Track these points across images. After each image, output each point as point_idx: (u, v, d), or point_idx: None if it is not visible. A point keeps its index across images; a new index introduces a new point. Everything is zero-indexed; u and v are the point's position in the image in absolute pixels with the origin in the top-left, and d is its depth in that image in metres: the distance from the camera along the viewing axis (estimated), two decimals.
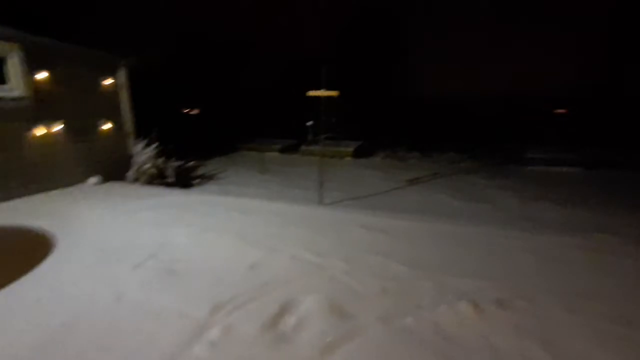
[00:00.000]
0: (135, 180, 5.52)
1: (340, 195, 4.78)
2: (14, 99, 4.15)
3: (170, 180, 5.62)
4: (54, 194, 4.49)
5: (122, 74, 5.57)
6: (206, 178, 6.45)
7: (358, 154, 8.55)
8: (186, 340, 1.69)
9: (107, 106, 5.44)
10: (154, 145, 5.75)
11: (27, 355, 1.62)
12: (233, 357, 1.60)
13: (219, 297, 2.05)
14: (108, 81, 5.37)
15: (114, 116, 5.54)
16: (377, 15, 14.55)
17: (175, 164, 5.92)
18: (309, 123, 8.20)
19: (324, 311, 1.89)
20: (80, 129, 4.99)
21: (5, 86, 4.15)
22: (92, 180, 5.07)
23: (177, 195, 4.54)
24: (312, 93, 4.23)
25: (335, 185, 5.30)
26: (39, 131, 4.44)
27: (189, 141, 8.28)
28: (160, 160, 5.68)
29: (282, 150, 9.43)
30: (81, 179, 5.02)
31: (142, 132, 5.97)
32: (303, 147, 9.08)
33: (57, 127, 4.66)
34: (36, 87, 4.37)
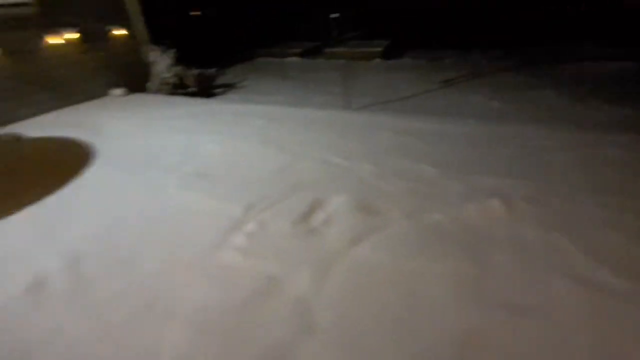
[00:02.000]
0: (157, 91, 5.46)
1: (368, 100, 4.53)
2: (15, 5, 3.91)
3: (191, 89, 5.51)
4: (84, 106, 4.58)
5: None
6: (227, 87, 6.27)
7: (387, 54, 7.80)
8: (225, 232, 1.84)
9: (115, 10, 5.06)
10: (170, 53, 5.49)
11: (88, 246, 1.84)
12: (268, 245, 1.74)
13: (250, 198, 2.15)
14: None
15: (124, 20, 5.19)
16: None
17: (195, 72, 5.71)
18: (334, 15, 7.27)
19: (352, 209, 1.95)
20: (93, 37, 4.77)
21: None
22: (116, 92, 5.06)
23: (201, 105, 4.49)
24: None
25: (362, 90, 5.00)
26: (52, 40, 4.29)
27: (205, 47, 7.84)
28: (179, 68, 5.49)
29: (304, 54, 8.77)
30: (104, 91, 5.02)
31: (157, 35, 5.65)
32: (327, 50, 8.37)
33: (69, 35, 4.46)
34: None
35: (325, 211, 1.96)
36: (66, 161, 2.93)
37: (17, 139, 3.52)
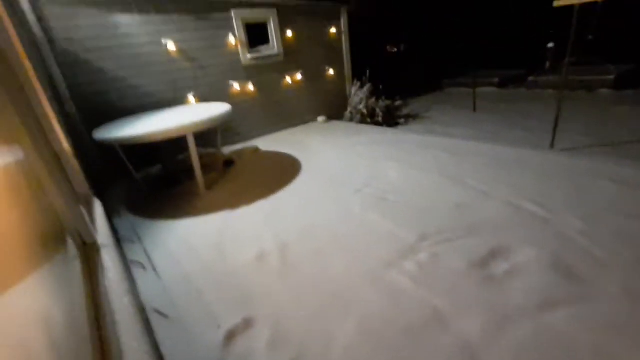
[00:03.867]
0: (350, 119, 6.33)
1: (583, 140, 3.73)
2: (273, 56, 5.48)
3: (379, 119, 6.08)
4: (297, 129, 5.85)
5: (343, 20, 6.15)
6: (411, 117, 6.54)
7: (622, 84, 6.13)
8: (398, 255, 1.98)
9: (331, 53, 6.25)
10: (366, 87, 6.28)
11: (293, 237, 2.37)
12: (439, 279, 1.75)
13: (425, 228, 2.21)
14: (332, 29, 6.09)
15: (336, 61, 6.33)
16: None
17: (383, 104, 6.29)
18: (550, 45, 6.33)
19: (545, 266, 1.69)
20: (312, 75, 6.05)
21: (268, 46, 5.50)
22: (320, 119, 6.20)
23: (385, 134, 4.91)
24: (561, 3, 3.25)
25: (576, 127, 4.16)
26: (287, 79, 5.74)
27: (395, 79, 8.46)
28: (371, 101, 6.18)
29: (502, 84, 8.04)
30: (313, 117, 6.24)
31: (356, 73, 6.59)
32: (531, 79, 7.36)
33: (298, 76, 5.85)
34: (285, 44, 5.55)
35: (510, 261, 1.78)
36: (285, 170, 3.87)
37: (256, 150, 4.89)
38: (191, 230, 2.68)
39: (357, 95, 6.36)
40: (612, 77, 6.11)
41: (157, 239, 2.60)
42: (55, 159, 1.77)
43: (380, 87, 6.48)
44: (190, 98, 4.59)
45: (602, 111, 4.87)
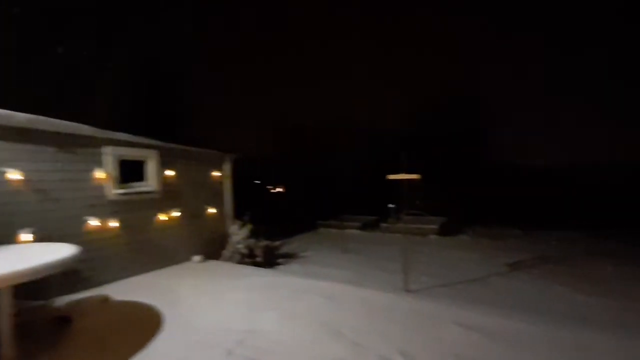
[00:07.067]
0: (229, 258, 6.06)
1: (428, 281, 4.44)
2: (149, 192, 5.22)
3: (258, 259, 6.02)
4: (167, 271, 5.16)
5: (227, 166, 6.61)
6: (290, 257, 6.73)
7: (444, 231, 8.06)
8: None
9: (213, 193, 6.38)
10: (246, 227, 6.38)
11: None
12: None
13: None
14: (216, 173, 6.41)
15: (218, 201, 6.43)
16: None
17: (262, 243, 6.37)
18: (390, 205, 8.20)
19: None
20: (192, 213, 5.87)
21: (144, 182, 5.27)
22: (196, 258, 5.72)
23: (265, 276, 4.79)
24: (392, 177, 4.35)
25: (422, 268, 4.98)
26: (162, 217, 5.37)
27: (274, 219, 8.97)
28: (251, 241, 6.20)
29: (363, 228, 9.45)
30: (187, 257, 5.71)
31: (237, 212, 6.73)
32: (384, 225, 9.00)
33: (176, 213, 5.57)
34: (164, 181, 5.44)
35: None
36: (140, 328, 3.14)
37: (105, 300, 3.96)
38: None
39: (237, 234, 6.32)
40: (436, 226, 8.03)
41: None
42: None
43: (261, 226, 6.69)
44: (25, 236, 3.67)
45: (436, 254, 6.12)
